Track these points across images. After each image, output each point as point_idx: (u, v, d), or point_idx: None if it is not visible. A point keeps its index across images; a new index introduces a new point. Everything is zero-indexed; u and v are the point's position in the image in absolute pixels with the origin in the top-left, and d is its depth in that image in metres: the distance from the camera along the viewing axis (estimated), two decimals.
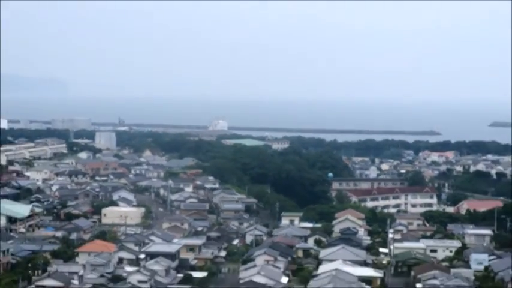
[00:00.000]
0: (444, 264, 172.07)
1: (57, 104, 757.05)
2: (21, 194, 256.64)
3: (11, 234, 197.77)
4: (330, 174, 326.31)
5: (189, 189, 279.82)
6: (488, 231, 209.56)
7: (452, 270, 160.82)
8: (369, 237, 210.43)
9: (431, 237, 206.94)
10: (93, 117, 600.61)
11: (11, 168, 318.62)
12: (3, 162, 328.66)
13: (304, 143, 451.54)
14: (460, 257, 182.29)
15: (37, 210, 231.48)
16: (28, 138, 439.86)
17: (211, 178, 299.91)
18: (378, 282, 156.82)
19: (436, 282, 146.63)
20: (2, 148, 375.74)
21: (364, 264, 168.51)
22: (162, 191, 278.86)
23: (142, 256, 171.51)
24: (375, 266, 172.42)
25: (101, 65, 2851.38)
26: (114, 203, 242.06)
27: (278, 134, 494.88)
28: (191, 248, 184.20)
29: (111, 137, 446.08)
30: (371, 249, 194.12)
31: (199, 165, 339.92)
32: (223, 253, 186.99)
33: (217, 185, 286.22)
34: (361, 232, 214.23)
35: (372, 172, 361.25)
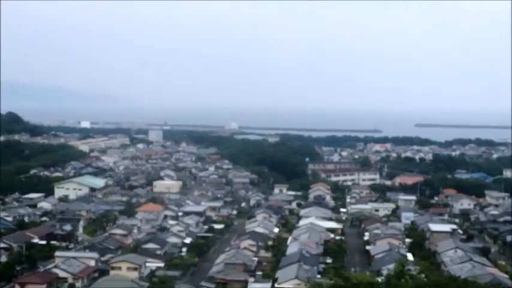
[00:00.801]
0: (384, 219, 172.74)
1: (124, 111, 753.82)
2: (99, 172, 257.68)
3: (92, 199, 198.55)
4: (307, 159, 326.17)
5: (211, 168, 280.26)
6: (413, 197, 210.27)
7: (389, 224, 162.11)
8: (333, 201, 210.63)
9: (375, 201, 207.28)
10: (148, 119, 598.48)
11: (92, 154, 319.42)
12: (87, 150, 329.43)
13: (289, 138, 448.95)
14: (395, 214, 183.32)
15: (109, 182, 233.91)
16: (103, 134, 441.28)
17: (226, 161, 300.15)
18: (339, 231, 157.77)
19: (378, 231, 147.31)
20: (85, 140, 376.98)
21: (330, 219, 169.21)
22: (193, 170, 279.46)
23: (180, 214, 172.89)
24: (337, 220, 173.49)
25: (154, 81, 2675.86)
26: (161, 178, 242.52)
27: (272, 132, 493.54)
28: (213, 208, 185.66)
29: (159, 134, 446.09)
30: (335, 209, 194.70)
31: (219, 152, 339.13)
32: (235, 212, 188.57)
33: (230, 166, 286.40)
34: (328, 198, 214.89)
35: (335, 157, 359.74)
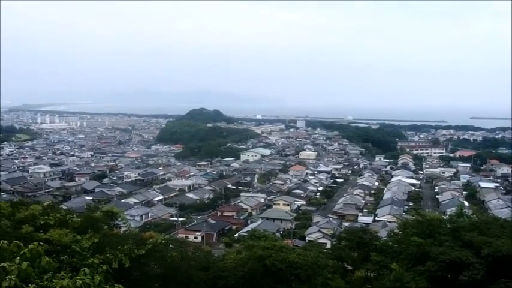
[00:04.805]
0: (448, 178, 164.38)
1: (279, 109, 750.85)
2: (266, 145, 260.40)
3: (263, 161, 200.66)
4: (397, 139, 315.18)
5: (335, 144, 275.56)
6: (468, 165, 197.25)
7: (452, 181, 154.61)
8: (414, 166, 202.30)
9: (442, 167, 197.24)
10: (295, 113, 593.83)
11: (262, 135, 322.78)
12: (259, 132, 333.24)
13: (385, 125, 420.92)
14: (455, 176, 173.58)
15: (273, 152, 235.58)
16: (269, 123, 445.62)
17: (345, 140, 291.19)
18: (418, 185, 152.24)
19: (444, 186, 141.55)
20: (259, 126, 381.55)
21: (412, 177, 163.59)
22: (324, 145, 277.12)
23: (315, 172, 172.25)
24: (417, 178, 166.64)
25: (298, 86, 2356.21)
26: (304, 150, 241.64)
27: (374, 121, 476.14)
28: (336, 169, 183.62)
29: (303, 122, 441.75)
30: (415, 171, 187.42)
31: (340, 134, 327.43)
32: (350, 171, 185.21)
33: (347, 143, 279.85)
34: (411, 164, 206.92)
35: (415, 138, 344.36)
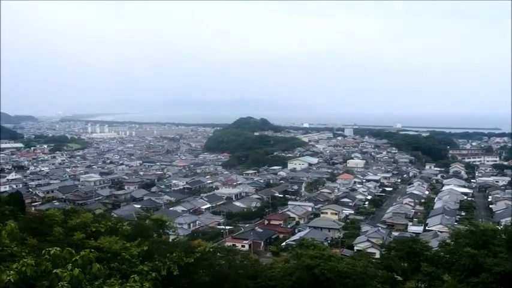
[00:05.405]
0: (502, 187, 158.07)
1: (323, 116, 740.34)
2: (314, 154, 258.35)
3: (310, 170, 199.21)
4: (448, 147, 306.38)
5: (384, 153, 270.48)
6: None
7: (506, 190, 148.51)
8: (466, 175, 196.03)
9: (495, 175, 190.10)
10: (342, 121, 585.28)
11: (309, 143, 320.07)
12: (307, 141, 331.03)
13: (436, 133, 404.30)
14: (511, 184, 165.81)
15: (320, 160, 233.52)
16: (316, 131, 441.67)
17: (394, 148, 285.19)
18: (470, 194, 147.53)
19: (498, 195, 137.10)
20: (306, 135, 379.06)
21: (463, 186, 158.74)
22: (372, 153, 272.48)
23: (364, 180, 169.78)
24: (469, 187, 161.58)
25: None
26: (352, 158, 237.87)
27: (424, 129, 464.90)
28: (385, 177, 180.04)
29: (351, 130, 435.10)
30: (467, 180, 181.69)
31: (389, 142, 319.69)
32: (399, 180, 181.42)
33: (396, 151, 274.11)
34: (462, 172, 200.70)
35: (467, 146, 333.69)
